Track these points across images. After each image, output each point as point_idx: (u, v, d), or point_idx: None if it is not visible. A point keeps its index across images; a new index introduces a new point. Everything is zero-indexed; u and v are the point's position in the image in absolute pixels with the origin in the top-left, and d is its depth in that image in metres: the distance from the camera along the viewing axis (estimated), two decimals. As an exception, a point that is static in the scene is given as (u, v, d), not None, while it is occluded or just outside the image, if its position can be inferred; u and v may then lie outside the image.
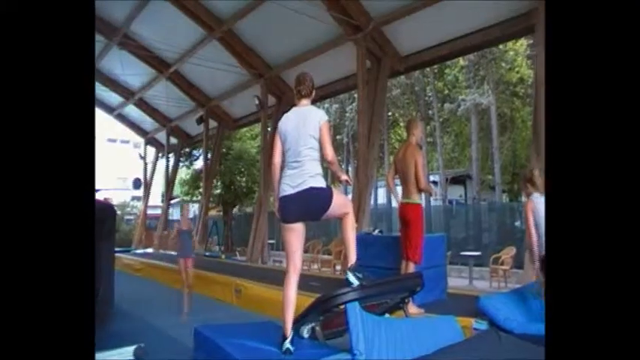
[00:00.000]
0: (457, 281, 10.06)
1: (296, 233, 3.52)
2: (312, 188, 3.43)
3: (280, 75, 11.97)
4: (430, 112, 23.83)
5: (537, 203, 4.39)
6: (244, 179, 20.34)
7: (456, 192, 23.25)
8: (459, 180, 23.32)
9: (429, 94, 23.45)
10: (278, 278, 4.51)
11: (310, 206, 3.49)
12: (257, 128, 17.21)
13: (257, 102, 12.21)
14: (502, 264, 10.13)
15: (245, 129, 20.25)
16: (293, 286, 3.50)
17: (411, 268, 5.12)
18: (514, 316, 4.52)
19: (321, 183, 3.48)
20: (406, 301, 4.40)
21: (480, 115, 22.20)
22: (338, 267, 10.79)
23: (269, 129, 12.43)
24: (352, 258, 3.61)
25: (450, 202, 20.89)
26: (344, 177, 3.72)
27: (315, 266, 12.27)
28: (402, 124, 23.78)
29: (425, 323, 4.10)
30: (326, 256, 12.61)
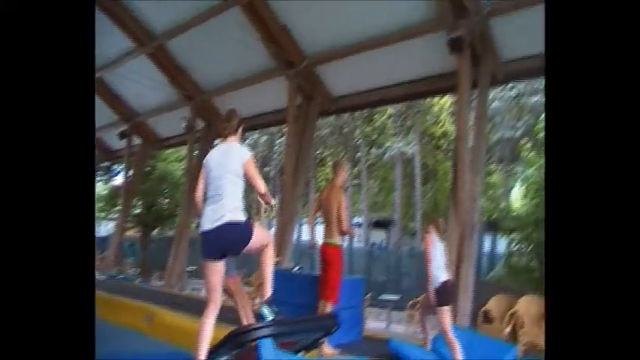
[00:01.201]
0: (375, 324, 10.14)
1: (216, 271, 3.48)
2: (230, 223, 3.40)
3: (211, 100, 11.80)
4: (357, 155, 24.41)
5: (435, 241, 5.06)
6: (167, 201, 19.72)
7: (379, 236, 23.69)
8: (382, 224, 23.83)
9: (358, 138, 24.07)
10: (195, 307, 4.35)
11: (230, 241, 3.45)
12: (183, 151, 16.82)
13: (185, 124, 11.87)
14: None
15: (171, 150, 19.73)
16: (210, 320, 3.40)
17: (328, 308, 5.12)
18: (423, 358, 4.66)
19: (240, 217, 3.45)
20: (321, 341, 4.39)
21: (404, 163, 23.02)
22: (257, 300, 10.57)
23: (195, 153, 12.14)
24: (267, 291, 3.58)
25: (373, 245, 21.22)
26: (272, 201, 3.71)
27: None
28: (329, 163, 24.16)
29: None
30: (246, 288, 12.32)
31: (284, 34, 8.61)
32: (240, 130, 3.78)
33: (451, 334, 4.79)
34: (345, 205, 5.44)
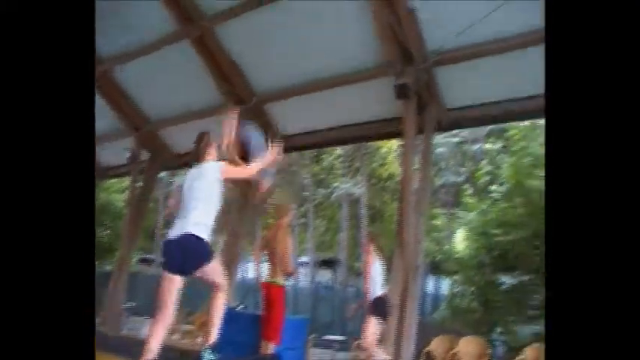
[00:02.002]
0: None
1: (172, 286, 3.45)
2: (192, 234, 3.42)
3: (158, 131, 11.56)
4: (305, 194, 24.50)
5: (374, 259, 5.63)
6: (106, 233, 18.96)
7: (325, 275, 23.59)
8: (328, 264, 23.76)
9: (306, 176, 24.22)
10: (132, 349, 4.16)
11: (188, 253, 3.44)
12: (126, 182, 16.31)
13: (129, 155, 11.51)
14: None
15: (113, 180, 19.11)
16: (159, 334, 3.33)
17: (271, 348, 5.06)
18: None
19: (203, 234, 3.46)
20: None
21: (351, 203, 23.26)
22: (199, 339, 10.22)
23: (138, 184, 11.78)
24: (213, 336, 3.55)
25: (318, 284, 21.09)
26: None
27: (175, 336, 11.49)
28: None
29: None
30: (188, 327, 11.91)
31: (234, 70, 8.66)
32: (207, 151, 3.89)
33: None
34: (290, 245, 5.48)
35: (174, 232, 3.50)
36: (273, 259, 5.36)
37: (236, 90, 8.88)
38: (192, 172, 3.82)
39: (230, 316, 5.85)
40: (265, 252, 5.52)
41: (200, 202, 3.54)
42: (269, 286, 5.34)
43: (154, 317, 3.47)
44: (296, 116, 9.24)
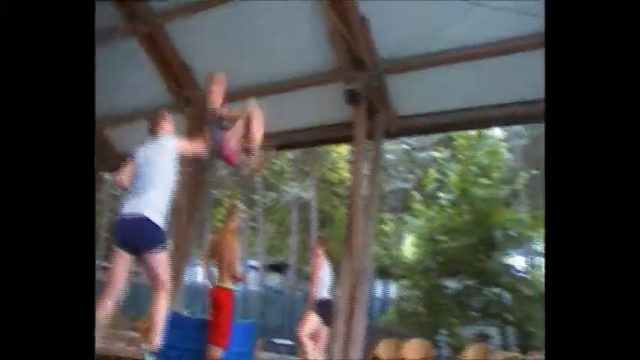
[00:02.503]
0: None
1: (124, 261, 3.40)
2: (147, 219, 3.37)
3: (103, 130, 11.13)
4: (255, 197, 24.32)
5: (323, 263, 5.62)
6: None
7: (274, 279, 23.47)
8: (278, 268, 23.65)
9: (256, 180, 24.03)
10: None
11: (141, 234, 3.40)
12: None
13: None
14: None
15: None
16: (106, 307, 3.33)
17: (217, 353, 5.00)
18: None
19: (159, 219, 3.43)
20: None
21: (301, 207, 23.27)
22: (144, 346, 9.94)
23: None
24: (156, 341, 3.46)
25: (268, 288, 20.98)
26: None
27: (121, 344, 11.12)
28: (226, 204, 23.82)
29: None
30: (133, 334, 11.57)
31: (183, 70, 8.52)
32: (169, 125, 3.85)
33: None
34: (237, 249, 5.45)
35: (128, 210, 3.42)
36: (220, 263, 5.32)
37: (185, 90, 8.72)
38: (148, 145, 3.72)
39: (176, 321, 5.74)
40: (213, 256, 5.47)
41: (157, 181, 3.48)
42: (216, 291, 5.28)
43: (103, 292, 3.37)
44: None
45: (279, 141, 9.21)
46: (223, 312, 5.19)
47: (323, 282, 5.52)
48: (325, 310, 5.44)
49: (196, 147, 3.89)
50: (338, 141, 11.82)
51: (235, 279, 5.35)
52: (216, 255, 5.39)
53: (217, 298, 5.23)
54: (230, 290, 5.30)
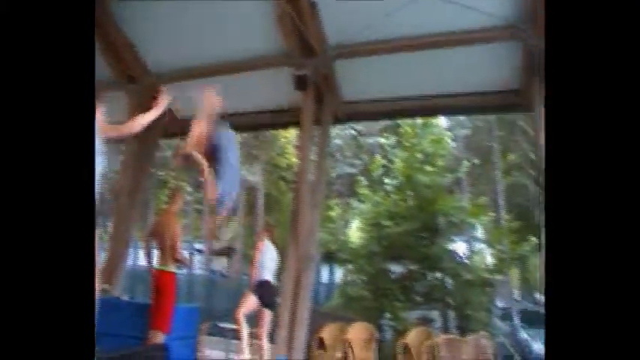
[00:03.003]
0: (215, 353, 9.85)
1: None
2: None
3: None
4: (201, 179, 23.89)
5: (267, 248, 5.64)
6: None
7: (221, 263, 23.30)
8: (224, 252, 23.48)
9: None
10: None
11: None
12: None
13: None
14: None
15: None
16: None
17: (160, 337, 4.91)
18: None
19: None
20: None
21: (248, 191, 23.10)
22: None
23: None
24: None
25: (214, 272, 20.79)
26: None
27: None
28: (171, 186, 23.34)
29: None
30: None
31: (128, 50, 8.22)
32: None
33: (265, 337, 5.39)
34: (179, 232, 5.35)
35: None
36: (162, 245, 5.21)
37: (128, 69, 8.43)
38: None
39: (115, 306, 5.62)
40: (155, 238, 5.34)
41: None
42: (159, 274, 5.16)
43: None
44: (192, 100, 8.93)
45: (227, 123, 9.10)
46: (166, 296, 5.09)
47: (264, 265, 5.52)
48: (265, 291, 5.44)
49: (117, 130, 3.64)
50: (286, 126, 11.79)
51: (178, 262, 5.25)
52: (158, 237, 5.28)
53: (159, 282, 5.12)
54: (173, 273, 5.20)
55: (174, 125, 9.35)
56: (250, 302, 5.49)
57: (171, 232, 5.21)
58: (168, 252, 5.16)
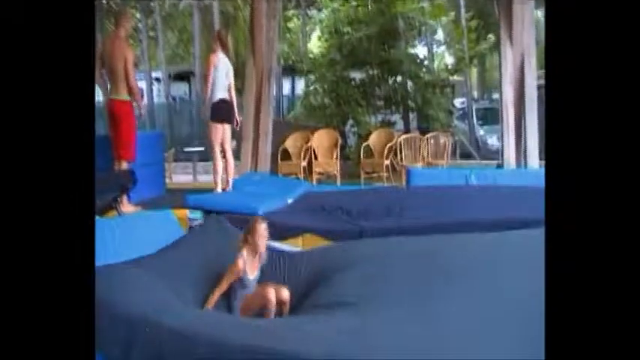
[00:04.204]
0: (183, 177, 10.24)
1: None
2: None
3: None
4: (152, 4, 22.34)
5: (219, 60, 5.24)
6: None
7: (181, 89, 22.90)
8: (183, 77, 22.95)
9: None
10: None
11: None
12: None
13: None
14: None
15: None
16: None
17: (124, 166, 5.01)
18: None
19: None
20: (119, 199, 4.35)
21: (202, 11, 21.75)
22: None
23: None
24: None
25: (174, 98, 20.54)
26: None
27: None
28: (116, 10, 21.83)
29: (139, 219, 4.09)
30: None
31: None
32: None
33: (218, 151, 5.37)
34: (131, 58, 5.08)
35: None
36: (114, 74, 4.98)
37: None
38: None
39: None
40: (105, 67, 5.09)
41: None
42: (113, 103, 5.04)
43: None
44: None
45: None
46: (124, 124, 5.04)
47: (218, 83, 5.28)
48: (219, 109, 5.30)
49: None
50: None
51: (131, 90, 5.08)
52: (108, 66, 5.03)
53: (115, 111, 5.04)
54: (128, 100, 5.08)
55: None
56: (218, 130, 5.34)
57: (122, 59, 4.95)
58: (122, 80, 4.97)
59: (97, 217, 3.95)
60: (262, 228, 3.13)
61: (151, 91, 18.75)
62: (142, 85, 19.34)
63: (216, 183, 5.43)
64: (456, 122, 11.89)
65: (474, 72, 16.04)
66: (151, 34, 22.85)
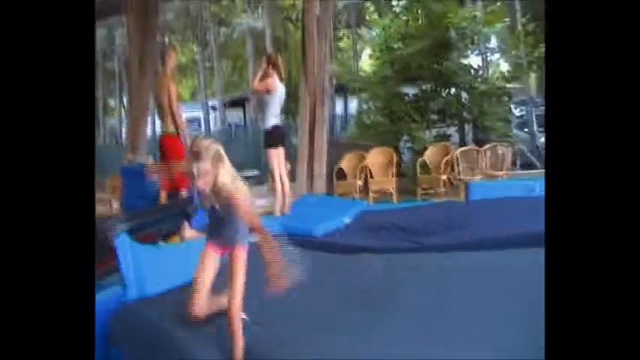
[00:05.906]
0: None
1: None
2: None
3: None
4: (207, 36, 23.22)
5: (277, 85, 5.24)
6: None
7: (236, 115, 23.49)
8: (238, 103, 23.57)
9: (206, 19, 22.76)
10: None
11: None
12: None
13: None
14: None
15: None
16: None
17: (184, 194, 5.17)
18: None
19: None
20: (183, 226, 4.49)
21: (255, 38, 22.36)
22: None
23: None
24: None
25: (230, 125, 21.09)
26: None
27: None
28: (179, 49, 22.79)
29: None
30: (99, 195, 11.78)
31: None
32: None
33: (278, 176, 5.40)
34: (174, 95, 5.27)
35: None
36: (161, 111, 5.25)
37: None
38: None
39: (138, 173, 5.86)
40: (156, 103, 5.38)
41: None
42: (163, 137, 5.31)
43: None
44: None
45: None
46: (173, 156, 5.17)
47: (274, 108, 5.35)
48: (274, 135, 5.38)
49: None
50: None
51: (176, 125, 5.27)
52: (157, 102, 5.32)
53: (164, 145, 5.27)
54: (176, 135, 5.28)
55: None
56: (275, 155, 5.42)
57: (166, 95, 5.18)
58: (168, 115, 5.21)
59: (162, 243, 4.12)
60: None
61: (207, 119, 19.36)
62: (200, 114, 20.09)
63: (275, 207, 5.52)
64: (515, 131, 11.52)
65: (533, 77, 15.49)
66: (207, 64, 23.71)
